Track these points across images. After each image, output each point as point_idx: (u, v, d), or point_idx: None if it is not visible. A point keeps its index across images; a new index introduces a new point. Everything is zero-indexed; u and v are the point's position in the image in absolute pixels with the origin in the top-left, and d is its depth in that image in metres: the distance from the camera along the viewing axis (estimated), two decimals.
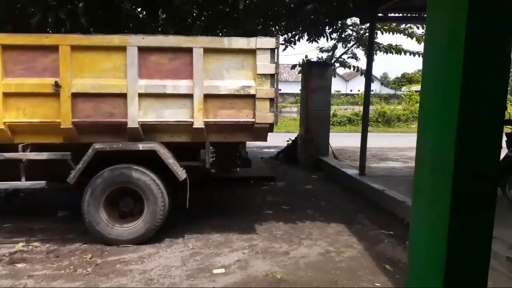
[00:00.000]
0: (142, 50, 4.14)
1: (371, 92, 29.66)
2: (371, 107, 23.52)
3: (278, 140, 11.43)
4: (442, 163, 1.38)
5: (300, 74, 10.28)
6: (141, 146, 4.23)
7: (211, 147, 4.38)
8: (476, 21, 1.28)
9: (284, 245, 4.28)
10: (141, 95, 4.16)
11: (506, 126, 5.81)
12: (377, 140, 12.71)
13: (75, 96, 4.08)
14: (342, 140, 12.97)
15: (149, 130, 4.26)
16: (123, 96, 4.13)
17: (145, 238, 4.22)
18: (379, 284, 3.42)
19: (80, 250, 4.08)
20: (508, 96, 30.63)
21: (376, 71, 37.46)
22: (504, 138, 5.67)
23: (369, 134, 7.38)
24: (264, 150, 11.61)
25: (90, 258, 3.86)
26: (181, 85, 4.20)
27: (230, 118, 4.28)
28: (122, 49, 4.10)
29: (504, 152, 5.83)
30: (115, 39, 4.10)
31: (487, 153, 1.35)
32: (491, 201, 1.40)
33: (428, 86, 1.52)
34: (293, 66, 10.62)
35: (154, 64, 4.20)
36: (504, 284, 3.39)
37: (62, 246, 4.18)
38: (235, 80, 4.27)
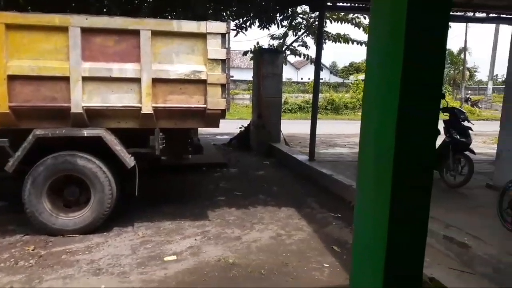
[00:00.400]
0: (85, 31, 3.93)
1: (321, 81, 30.25)
2: (320, 95, 24.04)
3: (231, 127, 11.41)
4: (384, 149, 1.44)
5: (252, 61, 10.27)
6: (86, 132, 4.05)
7: (161, 134, 4.28)
8: (415, 13, 1.34)
9: (236, 230, 4.32)
10: (85, 79, 3.97)
11: (444, 114, 6.20)
12: (326, 127, 13.06)
13: (12, 78, 3.81)
14: (293, 127, 13.19)
15: (94, 115, 4.08)
16: (66, 79, 3.91)
17: (92, 228, 4.07)
18: (327, 265, 3.56)
19: (21, 242, 3.86)
20: (446, 86, 32.65)
21: (326, 60, 38.39)
22: (442, 125, 6.05)
23: (318, 121, 7.57)
24: (217, 137, 11.55)
25: (32, 250, 3.67)
26: (128, 69, 4.05)
27: (181, 104, 4.19)
28: (63, 29, 3.86)
29: (442, 138, 6.22)
30: (55, 19, 3.86)
31: (425, 139, 1.43)
32: (428, 184, 1.49)
33: (371, 76, 1.58)
34: (245, 53, 10.60)
35: (98, 46, 4.00)
36: (441, 260, 3.66)
37: (1, 238, 3.94)
38: (185, 64, 4.18)
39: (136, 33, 4.02)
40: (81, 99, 3.96)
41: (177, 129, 4.49)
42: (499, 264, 3.26)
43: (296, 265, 3.54)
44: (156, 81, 4.10)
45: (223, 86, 4.25)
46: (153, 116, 4.14)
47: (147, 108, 4.09)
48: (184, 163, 6.87)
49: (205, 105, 4.21)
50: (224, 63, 4.25)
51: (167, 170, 6.75)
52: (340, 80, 37.95)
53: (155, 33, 4.06)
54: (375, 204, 1.52)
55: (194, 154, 5.19)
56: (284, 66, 10.30)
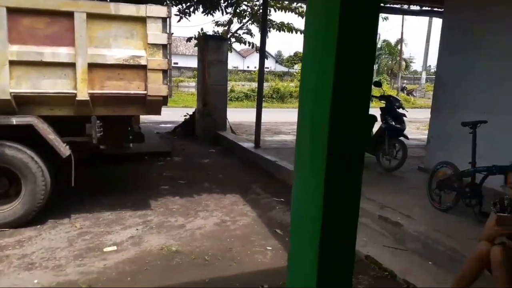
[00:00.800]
0: (12, 11, 3.63)
1: (267, 70, 30.29)
2: (266, 84, 24.29)
3: (175, 115, 11.21)
4: (318, 134, 1.49)
5: (197, 48, 10.10)
6: (15, 120, 3.77)
7: (98, 121, 4.10)
8: (349, 4, 1.38)
9: (180, 219, 4.28)
10: (12, 63, 3.68)
11: (381, 101, 6.52)
12: (272, 115, 13.24)
13: None
14: (239, 115, 13.21)
15: (24, 102, 3.80)
16: None
17: (24, 221, 3.83)
18: (270, 248, 3.64)
19: None
20: (384, 76, 34.29)
21: (271, 49, 38.73)
22: (379, 112, 6.36)
23: (264, 110, 7.66)
24: (161, 125, 11.29)
25: None
26: (61, 53, 3.80)
27: (119, 90, 4.03)
28: None
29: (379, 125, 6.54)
30: None
31: (357, 123, 1.49)
32: (360, 166, 1.56)
33: (307, 61, 1.62)
34: (189, 39, 10.38)
35: (28, 28, 3.72)
36: (376, 239, 3.88)
37: None
38: (124, 49, 4.01)
39: (69, 15, 3.78)
40: (8, 84, 3.66)
41: (116, 116, 4.32)
42: (427, 240, 3.52)
43: (240, 249, 3.59)
44: (92, 66, 3.89)
45: (164, 72, 4.13)
46: (89, 103, 3.94)
47: (82, 95, 3.88)
48: (126, 152, 6.65)
49: (145, 92, 4.08)
50: (166, 48, 4.13)
51: (108, 159, 6.49)
52: (285, 69, 38.48)
53: (91, 16, 3.85)
54: (311, 186, 1.56)
55: (135, 143, 5.02)
56: (229, 54, 10.24)
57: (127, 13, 3.97)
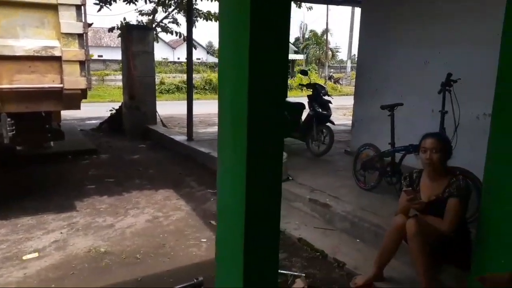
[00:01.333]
0: None
1: (198, 61, 29.81)
2: (198, 75, 23.94)
3: (101, 110, 10.63)
4: (238, 121, 1.47)
5: (120, 39, 9.61)
6: None
7: (9, 119, 3.74)
8: None
9: (109, 218, 4.07)
10: None
11: (308, 89, 6.71)
12: (205, 106, 13.05)
13: None
14: (171, 108, 12.88)
15: None
16: None
17: None
18: (205, 240, 3.61)
19: None
20: (313, 65, 35.44)
21: (202, 40, 38.10)
22: (307, 100, 6.56)
23: (197, 101, 7.53)
24: (85, 122, 10.64)
25: None
26: None
27: (31, 84, 3.71)
28: None
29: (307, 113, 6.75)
30: None
31: (274, 110, 1.50)
32: (279, 152, 1.58)
33: (224, 54, 1.60)
34: (111, 29, 9.83)
35: None
36: (307, 221, 4.01)
37: None
38: (35, 39, 3.69)
39: None
40: None
41: (31, 113, 3.98)
42: (354, 218, 3.71)
43: (174, 244, 3.51)
44: None
45: (81, 63, 3.87)
46: None
47: None
48: (46, 152, 6.19)
49: (61, 85, 3.80)
50: (82, 38, 3.87)
51: (27, 160, 5.97)
52: (217, 60, 38.08)
53: None
54: (234, 172, 1.55)
55: (54, 141, 4.69)
56: (157, 44, 9.90)
57: (36, 0, 3.64)
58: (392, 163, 4.24)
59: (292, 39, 41.58)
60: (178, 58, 37.85)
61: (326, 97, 6.44)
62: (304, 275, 2.92)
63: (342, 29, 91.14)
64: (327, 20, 32.82)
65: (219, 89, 1.66)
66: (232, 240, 1.56)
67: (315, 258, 3.30)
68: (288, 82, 23.11)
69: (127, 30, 9.16)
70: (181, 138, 7.64)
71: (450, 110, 3.71)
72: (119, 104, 10.03)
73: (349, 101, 14.57)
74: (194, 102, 7.61)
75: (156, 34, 10.35)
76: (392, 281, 2.84)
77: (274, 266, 1.59)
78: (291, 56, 30.54)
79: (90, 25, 4.27)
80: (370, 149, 4.56)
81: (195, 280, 2.77)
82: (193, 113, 7.42)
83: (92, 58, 26.56)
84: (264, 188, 1.53)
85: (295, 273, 2.92)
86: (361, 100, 6.33)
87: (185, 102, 7.55)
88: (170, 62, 30.10)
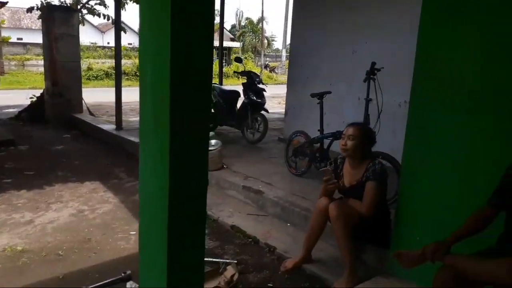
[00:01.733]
0: None
1: (130, 46, 28.58)
2: (130, 61, 22.92)
3: (21, 97, 9.79)
4: (160, 105, 1.41)
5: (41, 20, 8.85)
6: None
7: None
8: None
9: (27, 214, 3.77)
10: None
11: (242, 77, 6.70)
12: (136, 94, 12.50)
13: None
14: (100, 95, 12.21)
15: None
16: None
17: None
18: (134, 232, 3.47)
19: None
20: (250, 54, 35.52)
21: (133, 24, 36.26)
22: (242, 88, 6.55)
23: (128, 88, 7.22)
24: (2, 111, 9.75)
25: None
26: None
27: None
28: None
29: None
30: None
31: (198, 92, 1.45)
32: (204, 136, 1.53)
33: (145, 36, 1.51)
34: (29, 9, 8.99)
35: None
36: (241, 208, 4.03)
37: None
38: None
39: None
40: None
41: None
42: (285, 203, 3.80)
43: (100, 238, 3.34)
44: None
45: None
46: None
47: None
48: None
49: None
50: None
51: None
52: None
53: None
54: (156, 160, 1.49)
55: None
56: (83, 27, 9.27)
57: None
58: (321, 149, 4.39)
59: (228, 26, 41.34)
60: (108, 43, 35.92)
61: (260, 85, 6.48)
62: (235, 261, 2.93)
63: (278, 18, 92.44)
64: (262, 8, 33.08)
65: (140, 73, 1.58)
66: (155, 232, 1.51)
67: (247, 244, 3.33)
68: (224, 69, 22.98)
69: (48, 11, 8.45)
70: (109, 127, 7.27)
71: (375, 98, 3.90)
72: (41, 91, 9.28)
73: (284, 89, 14.83)
74: (125, 89, 7.28)
75: (82, 16, 9.69)
76: (319, 262, 2.95)
77: (200, 255, 1.56)
78: (227, 44, 30.35)
79: (3, 4, 3.85)
80: (301, 136, 4.67)
81: (122, 274, 2.66)
82: (122, 100, 7.08)
83: (10, 41, 24.33)
84: (189, 175, 1.49)
85: (227, 261, 2.92)
86: (294, 89, 6.47)
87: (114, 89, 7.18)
88: (99, 47, 28.47)
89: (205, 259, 2.96)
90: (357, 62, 5.04)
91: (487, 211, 1.88)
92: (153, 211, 1.55)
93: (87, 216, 3.78)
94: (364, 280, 2.63)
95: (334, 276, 2.73)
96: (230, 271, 2.57)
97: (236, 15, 42.24)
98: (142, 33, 1.54)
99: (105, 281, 2.61)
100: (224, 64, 25.93)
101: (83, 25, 9.80)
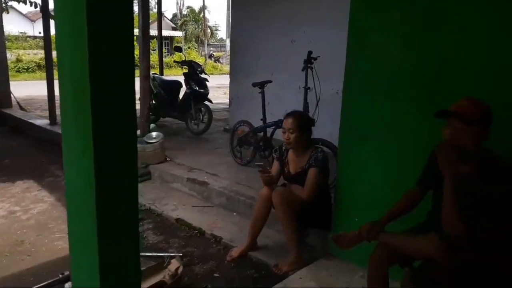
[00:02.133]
0: None
1: None
2: None
3: None
4: (80, 94, 1.33)
5: None
6: None
7: None
8: None
9: None
10: None
11: (183, 67, 6.55)
12: None
13: None
14: (31, 88, 11.44)
15: None
16: None
17: None
18: None
19: None
20: (193, 43, 34.86)
21: None
22: (183, 78, 6.41)
23: None
24: None
25: None
26: None
27: None
28: None
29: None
30: None
31: (120, 77, 1.37)
32: (131, 125, 1.46)
33: (61, 20, 1.41)
34: None
35: None
36: (185, 201, 3.97)
37: None
38: None
39: None
40: None
41: None
42: (230, 193, 3.80)
43: (35, 240, 3.14)
44: None
45: None
46: None
47: None
48: None
49: None
50: None
51: None
52: None
53: None
54: (80, 150, 1.40)
55: None
56: (7, 15, 8.54)
57: None
58: (264, 138, 4.44)
59: (169, 15, 40.18)
60: (40, 33, 33.47)
61: (202, 75, 6.38)
62: (181, 254, 2.89)
63: (221, 7, 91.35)
64: None
65: (58, 58, 1.46)
66: (85, 230, 1.43)
67: (192, 236, 3.30)
68: (167, 59, 22.39)
69: None
70: (42, 122, 6.83)
71: (313, 86, 3.99)
72: None
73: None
74: (58, 81, 6.83)
75: (6, 3, 8.94)
76: (265, 248, 3.00)
77: (135, 251, 1.51)
78: (169, 33, 29.56)
79: None
80: (245, 126, 4.69)
81: (60, 276, 2.54)
82: (55, 93, 6.66)
83: None
84: (116, 169, 1.42)
85: (172, 254, 2.88)
86: (236, 78, 6.45)
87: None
88: (30, 36, 26.51)
89: (149, 254, 2.92)
90: (296, 51, 5.11)
91: (416, 191, 2.00)
92: (80, 207, 1.47)
93: (20, 217, 3.54)
94: (309, 263, 2.71)
95: (279, 261, 2.78)
96: (174, 264, 2.53)
97: (177, 3, 41.12)
98: (57, 17, 1.42)
99: (41, 284, 2.48)
100: (166, 53, 25.26)
101: (7, 12, 9.06)
